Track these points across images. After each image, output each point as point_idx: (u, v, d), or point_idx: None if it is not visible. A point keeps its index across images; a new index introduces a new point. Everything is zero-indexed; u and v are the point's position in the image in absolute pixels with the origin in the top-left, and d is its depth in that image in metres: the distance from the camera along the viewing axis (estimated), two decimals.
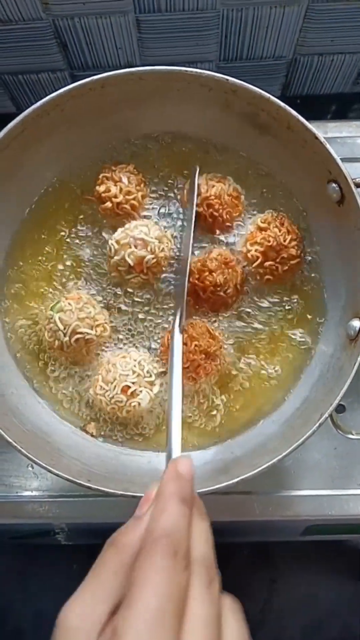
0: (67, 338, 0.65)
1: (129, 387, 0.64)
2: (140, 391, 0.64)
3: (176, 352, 0.60)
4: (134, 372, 0.65)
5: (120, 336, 0.70)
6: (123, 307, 0.70)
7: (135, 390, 0.64)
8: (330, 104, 1.05)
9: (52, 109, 0.63)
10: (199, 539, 0.38)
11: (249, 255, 0.68)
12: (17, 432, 0.62)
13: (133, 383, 0.64)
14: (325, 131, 0.85)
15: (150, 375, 0.66)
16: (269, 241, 0.67)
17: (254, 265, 0.68)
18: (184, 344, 0.65)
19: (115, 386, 0.64)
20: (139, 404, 0.64)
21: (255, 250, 0.68)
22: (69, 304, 0.66)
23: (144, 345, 0.70)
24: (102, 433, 0.69)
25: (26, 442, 0.60)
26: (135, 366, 0.65)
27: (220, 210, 0.68)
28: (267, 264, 0.67)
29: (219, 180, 0.70)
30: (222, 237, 0.71)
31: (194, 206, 0.68)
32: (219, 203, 0.68)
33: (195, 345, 0.65)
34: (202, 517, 0.40)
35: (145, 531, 0.37)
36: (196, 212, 0.69)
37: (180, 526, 0.37)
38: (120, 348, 0.70)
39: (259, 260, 0.68)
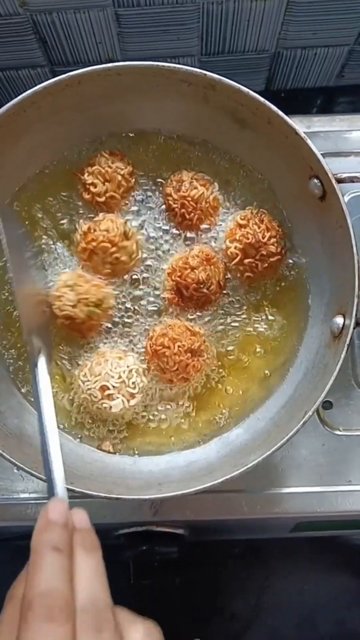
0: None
1: (107, 388, 0.64)
2: (117, 397, 0.64)
3: (43, 385, 0.51)
4: (120, 377, 0.64)
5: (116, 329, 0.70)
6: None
7: (112, 394, 0.64)
8: (316, 98, 1.04)
9: (28, 106, 0.61)
10: (85, 580, 0.36)
11: (228, 252, 0.68)
12: (1, 436, 0.61)
13: (113, 387, 0.64)
14: (309, 125, 0.84)
15: (134, 388, 0.65)
16: (247, 238, 0.66)
17: (233, 262, 0.68)
18: (167, 347, 0.64)
19: (97, 381, 0.64)
20: (110, 407, 0.64)
21: (235, 248, 0.67)
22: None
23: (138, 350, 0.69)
24: (119, 448, 0.69)
25: (9, 446, 0.60)
26: (124, 372, 0.64)
27: (192, 214, 0.68)
28: (246, 261, 0.67)
29: (204, 183, 0.69)
30: (203, 235, 0.70)
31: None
32: (194, 207, 0.68)
33: (179, 346, 0.64)
34: (88, 551, 0.38)
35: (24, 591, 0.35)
36: (168, 204, 0.69)
37: (54, 581, 0.35)
38: (119, 347, 0.69)
39: (238, 258, 0.67)
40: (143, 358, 0.68)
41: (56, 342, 0.69)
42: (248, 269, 0.67)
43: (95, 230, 0.66)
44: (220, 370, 0.70)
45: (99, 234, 0.66)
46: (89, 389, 0.64)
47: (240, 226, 0.67)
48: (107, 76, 0.61)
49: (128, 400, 0.65)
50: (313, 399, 0.58)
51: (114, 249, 0.66)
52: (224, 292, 0.69)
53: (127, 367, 0.65)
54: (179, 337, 0.65)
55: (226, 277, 0.69)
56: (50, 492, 0.45)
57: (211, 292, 0.67)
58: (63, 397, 0.69)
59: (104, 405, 0.64)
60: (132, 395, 0.65)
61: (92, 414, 0.68)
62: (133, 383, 0.65)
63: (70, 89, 0.62)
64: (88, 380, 0.65)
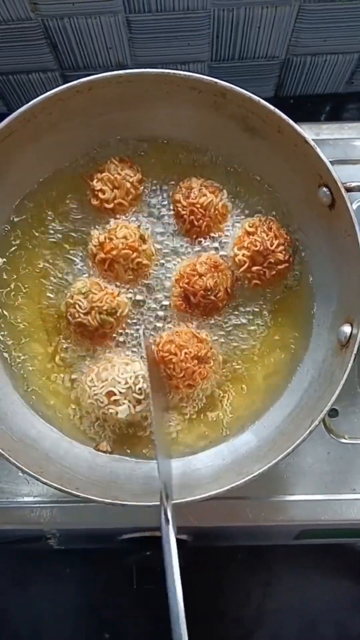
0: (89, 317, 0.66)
1: (114, 393, 0.64)
2: (123, 403, 0.64)
3: (172, 557, 0.50)
4: (127, 382, 0.64)
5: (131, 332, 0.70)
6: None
7: (118, 399, 0.64)
8: (325, 104, 1.04)
9: (39, 112, 0.62)
10: None
11: (236, 259, 0.68)
12: (6, 439, 0.62)
13: (120, 392, 0.64)
14: (318, 133, 0.84)
15: (141, 394, 0.65)
16: (255, 246, 0.66)
17: (241, 269, 0.68)
18: (173, 353, 0.65)
19: (103, 386, 0.64)
20: (117, 413, 0.64)
21: (243, 255, 0.67)
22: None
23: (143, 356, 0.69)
24: (113, 448, 0.69)
25: (15, 450, 0.60)
26: (131, 378, 0.64)
27: (201, 221, 0.68)
28: (254, 268, 0.67)
29: (213, 190, 0.69)
30: (211, 242, 0.70)
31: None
32: (203, 214, 0.68)
33: (186, 353, 0.64)
34: None
35: None
36: (176, 211, 0.69)
37: None
38: (127, 353, 0.69)
39: (246, 265, 0.67)
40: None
41: (69, 349, 0.70)
42: (256, 276, 0.67)
43: (112, 239, 0.66)
44: (226, 377, 0.70)
45: (118, 242, 0.66)
46: (95, 394, 0.64)
47: (249, 233, 0.67)
48: (118, 83, 0.62)
49: (134, 406, 0.65)
50: (320, 408, 0.58)
51: (135, 254, 0.66)
52: (232, 299, 0.69)
53: (134, 372, 0.65)
54: (186, 344, 0.65)
55: (234, 284, 0.69)
56: None
57: (219, 299, 0.67)
58: (68, 401, 0.69)
59: (110, 410, 0.64)
60: (139, 402, 0.65)
61: (97, 419, 0.68)
62: (139, 389, 0.65)
63: (81, 95, 0.62)
64: (95, 386, 0.65)
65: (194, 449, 0.69)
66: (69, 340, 0.70)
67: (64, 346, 0.70)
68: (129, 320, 0.69)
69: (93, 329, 0.66)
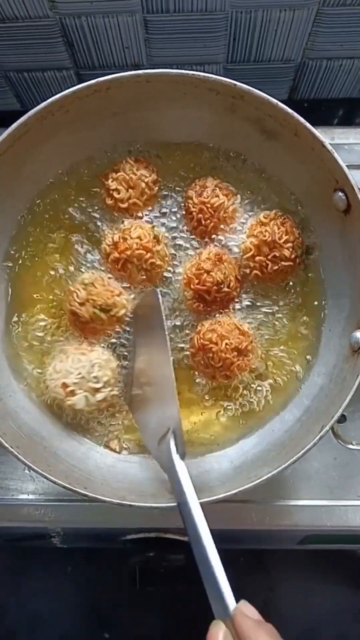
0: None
1: (67, 385, 0.63)
2: (78, 393, 0.63)
3: (189, 488, 0.54)
4: (79, 373, 0.64)
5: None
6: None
7: (73, 390, 0.63)
8: (338, 108, 1.04)
9: (56, 110, 0.62)
10: None
11: (243, 246, 0.68)
12: (15, 436, 0.61)
13: (74, 384, 0.63)
14: (332, 137, 0.84)
15: (97, 382, 0.64)
16: (264, 236, 0.66)
17: (245, 256, 0.68)
18: (214, 343, 0.64)
19: (58, 378, 0.64)
20: (75, 404, 0.64)
21: (250, 242, 0.67)
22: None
23: (118, 351, 0.68)
24: (125, 447, 0.69)
25: (23, 447, 0.60)
26: (84, 367, 0.64)
27: (209, 222, 0.68)
28: (257, 258, 0.67)
29: (227, 193, 0.69)
30: (216, 242, 0.70)
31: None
32: (211, 215, 0.68)
33: (226, 344, 0.64)
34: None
35: None
36: (187, 207, 0.69)
37: None
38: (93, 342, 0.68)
39: (251, 253, 0.67)
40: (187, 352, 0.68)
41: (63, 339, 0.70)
42: (257, 267, 0.67)
43: (126, 239, 0.66)
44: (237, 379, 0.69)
45: (132, 242, 0.66)
46: (55, 387, 0.64)
47: (262, 224, 0.67)
48: (136, 82, 0.61)
49: (93, 395, 0.64)
50: (330, 413, 0.58)
51: (148, 254, 0.66)
52: (244, 288, 0.69)
53: (90, 362, 0.64)
54: (227, 335, 0.65)
55: (241, 272, 0.69)
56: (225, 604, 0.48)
57: (232, 289, 0.67)
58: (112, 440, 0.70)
59: (68, 402, 0.64)
60: (97, 390, 0.64)
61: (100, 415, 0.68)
62: (95, 377, 0.64)
63: (98, 94, 0.62)
64: (52, 379, 0.65)
65: (200, 451, 0.68)
66: (63, 331, 0.70)
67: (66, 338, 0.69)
68: (124, 325, 0.69)
69: (85, 320, 0.66)
